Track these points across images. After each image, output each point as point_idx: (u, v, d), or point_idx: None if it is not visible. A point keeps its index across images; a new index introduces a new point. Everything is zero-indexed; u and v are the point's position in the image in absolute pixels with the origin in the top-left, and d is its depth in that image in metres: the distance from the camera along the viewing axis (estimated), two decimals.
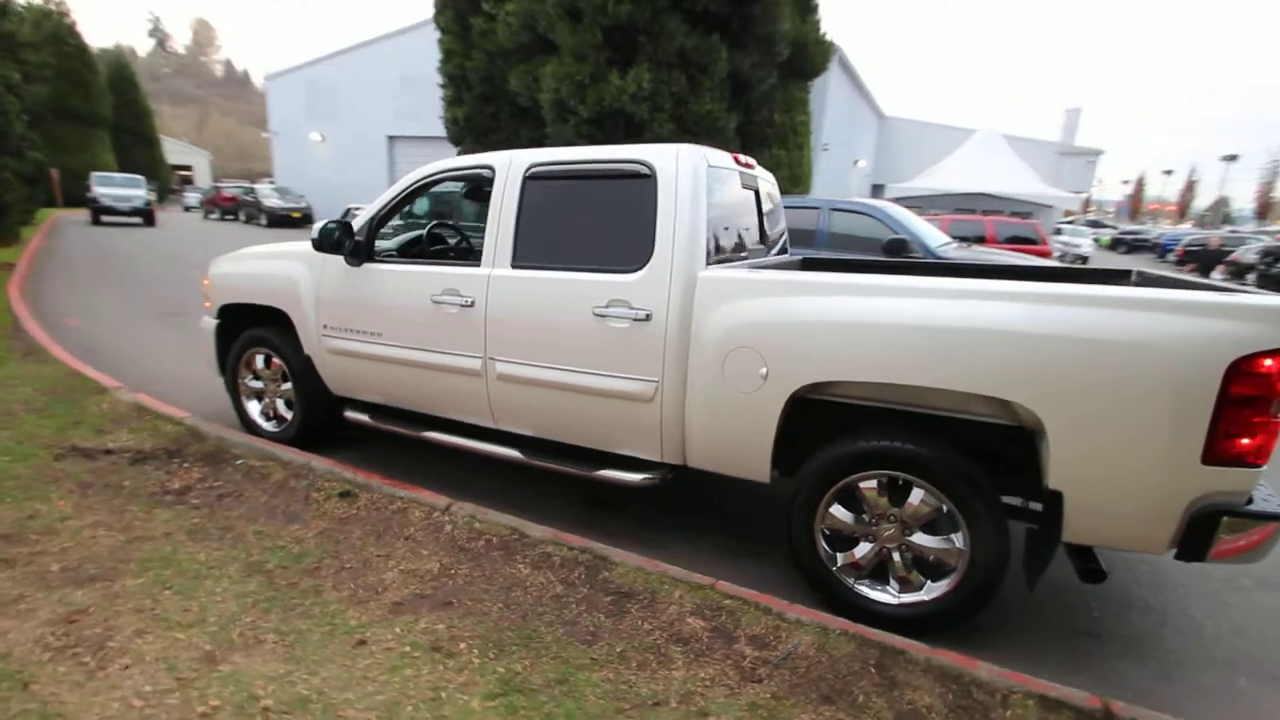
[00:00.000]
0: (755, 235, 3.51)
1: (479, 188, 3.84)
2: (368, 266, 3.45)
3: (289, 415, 3.98)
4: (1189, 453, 2.00)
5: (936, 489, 2.36)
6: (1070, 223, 33.41)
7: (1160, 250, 30.37)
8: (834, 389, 2.49)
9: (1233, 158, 48.01)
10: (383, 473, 3.50)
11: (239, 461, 3.64)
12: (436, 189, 3.49)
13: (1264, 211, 59.91)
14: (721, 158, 3.08)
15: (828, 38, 15.47)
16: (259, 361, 4.02)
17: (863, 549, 2.56)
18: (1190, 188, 78.24)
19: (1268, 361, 1.92)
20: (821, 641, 2.27)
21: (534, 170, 3.07)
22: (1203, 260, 20.41)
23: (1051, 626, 2.63)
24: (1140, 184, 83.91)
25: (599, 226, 2.95)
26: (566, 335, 2.90)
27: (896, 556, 2.50)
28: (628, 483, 2.95)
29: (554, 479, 3.61)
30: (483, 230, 3.20)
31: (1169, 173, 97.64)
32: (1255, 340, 1.92)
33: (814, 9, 15.13)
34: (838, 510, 2.55)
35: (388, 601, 2.39)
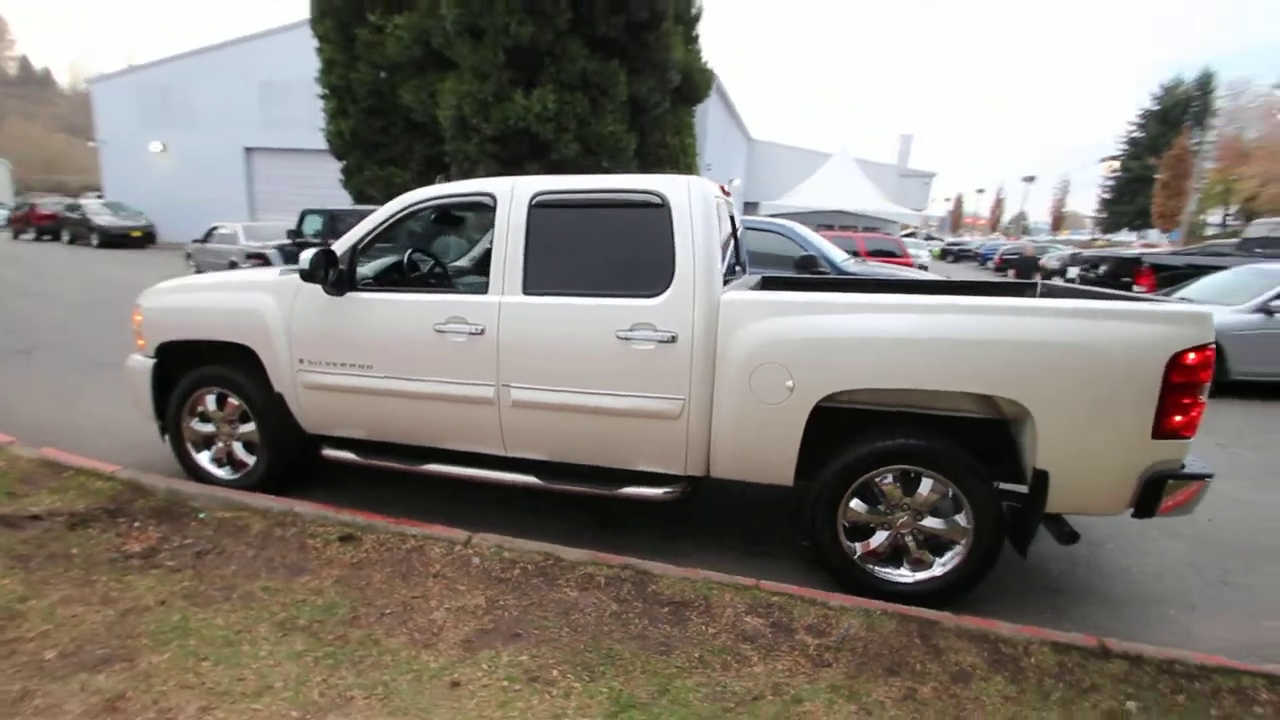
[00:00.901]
0: (732, 258, 3.78)
1: (451, 215, 3.82)
2: (351, 296, 3.29)
3: (250, 459, 3.65)
4: (1142, 430, 2.50)
5: (945, 477, 2.72)
6: (912, 235, 37.63)
7: (981, 259, 34.95)
8: (849, 396, 2.79)
9: (1031, 179, 56.50)
10: (359, 510, 3.33)
11: (202, 515, 3.29)
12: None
13: (1057, 224, 70.90)
14: (714, 189, 3.31)
15: (708, 65, 16.43)
16: (209, 403, 3.66)
17: (879, 537, 2.87)
18: (999, 204, 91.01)
19: (1192, 356, 2.46)
20: (867, 622, 2.53)
21: (540, 198, 3.11)
22: (1020, 267, 23.88)
23: (1023, 588, 3.08)
24: (959, 201, 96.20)
25: (613, 253, 3.06)
26: (588, 359, 2.97)
27: (910, 540, 2.83)
28: (651, 498, 3.07)
29: (542, 501, 3.64)
30: (465, 256, 3.19)
31: (981, 191, 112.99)
32: (1185, 339, 2.45)
33: (695, 38, 16.02)
34: (856, 505, 2.84)
35: (455, 640, 2.33)
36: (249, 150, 24.76)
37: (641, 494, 3.06)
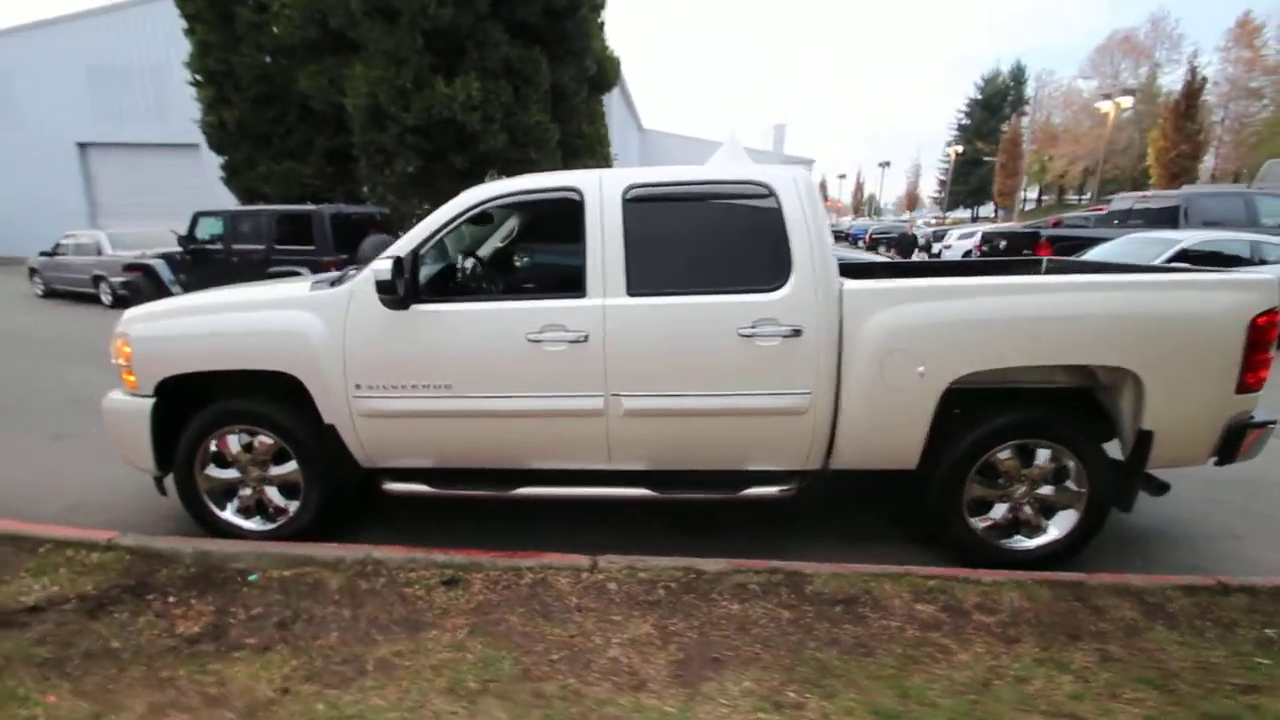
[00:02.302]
0: None
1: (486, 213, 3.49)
2: (418, 309, 2.90)
3: (290, 504, 3.14)
4: (1229, 386, 2.76)
5: (1063, 446, 2.87)
6: None
7: (852, 239, 37.57)
8: (973, 378, 2.85)
9: (886, 164, 61.58)
10: (414, 544, 2.99)
11: (252, 577, 2.80)
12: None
13: (911, 204, 77.96)
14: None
15: (614, 53, 16.30)
16: (232, 445, 3.09)
17: (998, 510, 2.98)
18: (859, 189, 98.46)
19: (1266, 317, 2.75)
20: (1024, 593, 2.63)
21: (635, 192, 2.90)
22: (899, 245, 25.97)
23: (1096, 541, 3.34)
24: (824, 186, 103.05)
25: (720, 247, 2.92)
26: (708, 360, 2.82)
27: (1027, 509, 2.97)
28: (771, 498, 2.99)
29: (605, 513, 3.46)
30: (530, 256, 2.93)
31: (843, 177, 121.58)
32: (1261, 303, 2.73)
33: (601, 25, 15.83)
34: (977, 481, 2.93)
35: (662, 678, 2.13)
36: (83, 146, 21.40)
37: (763, 494, 2.97)
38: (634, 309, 2.83)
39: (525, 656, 2.28)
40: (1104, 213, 13.10)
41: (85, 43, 20.59)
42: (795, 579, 2.71)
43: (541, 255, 3.99)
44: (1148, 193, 12.36)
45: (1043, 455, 2.91)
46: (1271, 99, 34.96)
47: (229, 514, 3.16)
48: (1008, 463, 2.92)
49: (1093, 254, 9.05)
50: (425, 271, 3.20)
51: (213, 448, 3.11)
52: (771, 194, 2.86)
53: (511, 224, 4.24)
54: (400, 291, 2.77)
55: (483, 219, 3.10)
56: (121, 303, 11.36)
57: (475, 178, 11.39)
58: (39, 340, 9.05)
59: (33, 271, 13.28)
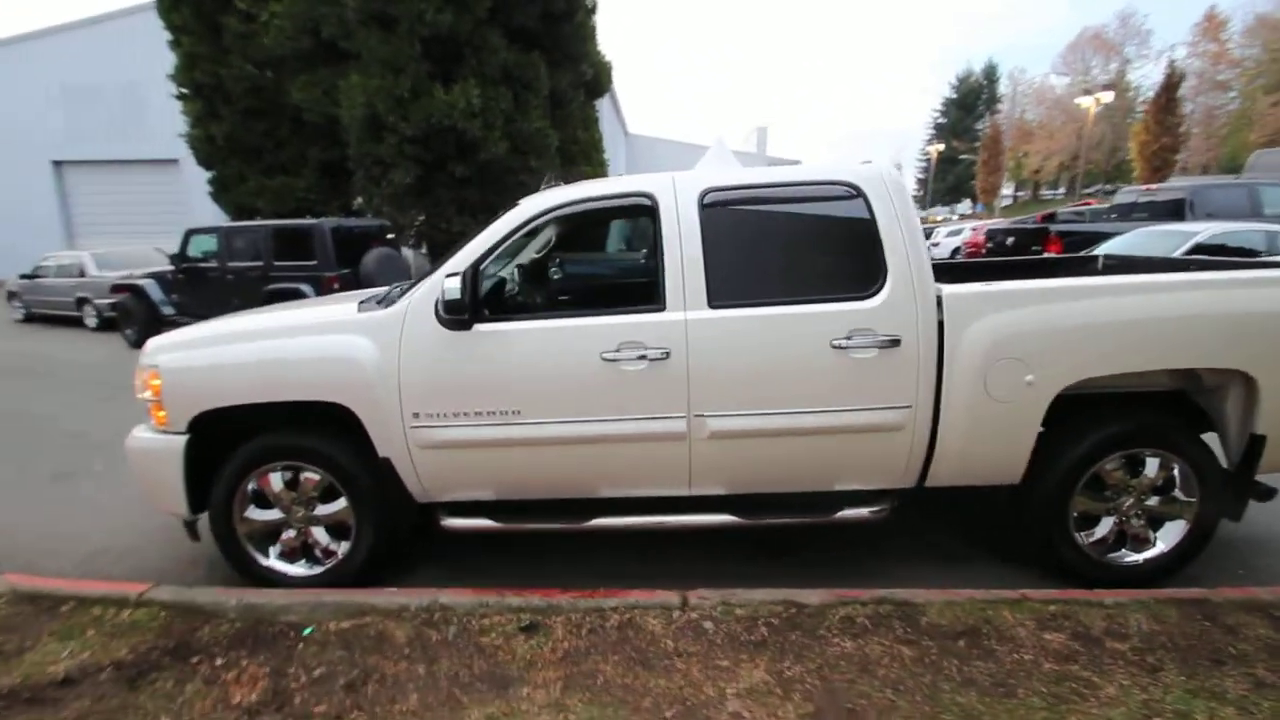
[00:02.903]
0: None
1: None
2: (480, 330, 2.66)
3: (339, 546, 2.88)
4: None
5: (1174, 454, 2.70)
6: None
7: None
8: (1081, 385, 2.67)
9: (868, 163, 62.20)
10: (471, 581, 2.76)
11: (307, 631, 2.54)
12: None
13: None
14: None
15: (606, 57, 16.14)
16: (274, 483, 2.83)
17: (1105, 524, 2.80)
18: None
19: None
20: (1151, 615, 2.44)
21: (712, 196, 2.69)
22: None
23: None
24: None
25: (806, 253, 2.73)
26: (801, 375, 2.62)
27: (1135, 522, 2.79)
28: (865, 519, 2.79)
29: (656, 541, 3.25)
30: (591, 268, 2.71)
31: None
32: None
33: (594, 29, 15.68)
34: (1083, 493, 2.76)
35: None
36: (58, 164, 20.81)
37: (856, 516, 2.77)
38: (717, 322, 2.62)
39: (635, 715, 2.05)
40: (1106, 206, 13.14)
41: (60, 59, 20.06)
42: (906, 610, 2.51)
43: (601, 266, 3.77)
44: (1153, 185, 12.40)
45: (1152, 464, 2.74)
46: (1239, 91, 35.76)
47: (272, 559, 2.90)
48: (1115, 473, 2.75)
49: (1106, 248, 8.99)
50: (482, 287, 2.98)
51: (252, 487, 2.85)
52: (859, 194, 2.66)
53: (549, 234, 4.02)
54: (468, 312, 2.54)
55: (542, 230, 2.88)
56: (108, 325, 10.93)
57: (475, 187, 11.14)
58: (23, 369, 8.64)
59: (11, 295, 12.77)
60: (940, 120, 61.63)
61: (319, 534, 2.89)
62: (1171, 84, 26.76)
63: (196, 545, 3.08)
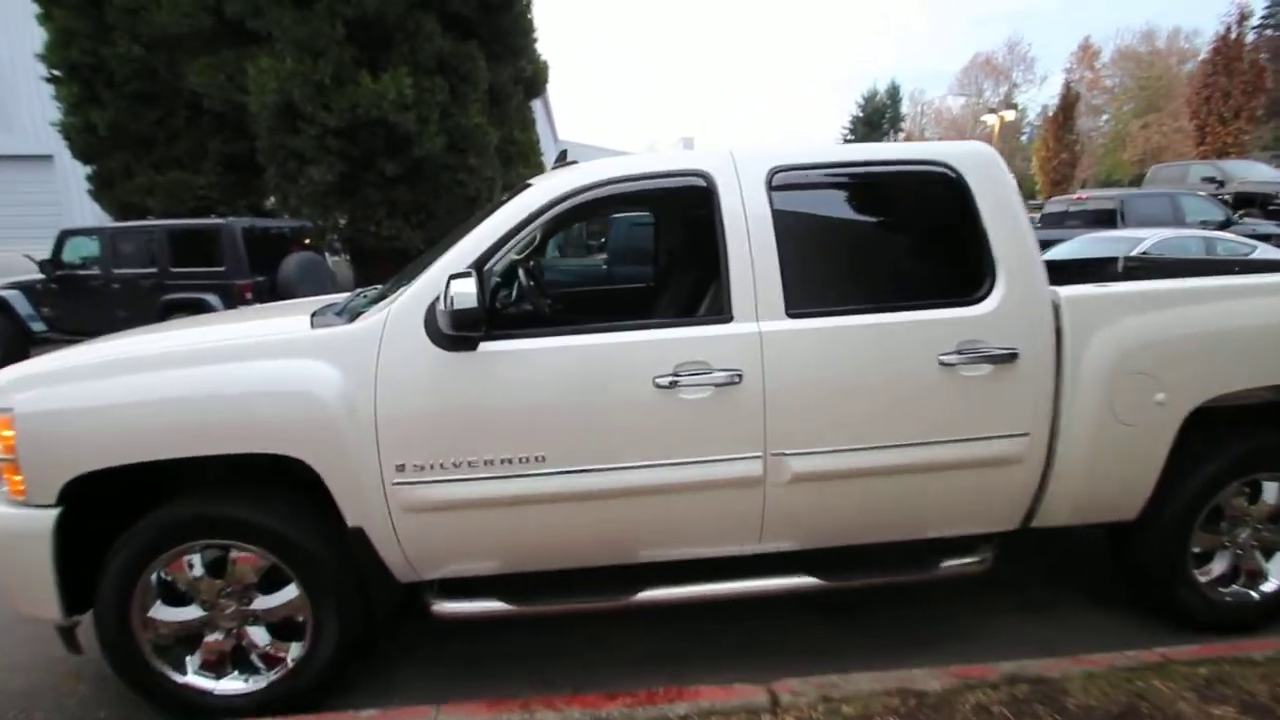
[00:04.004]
0: None
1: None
2: (489, 349, 1.98)
3: (286, 650, 2.09)
4: None
5: None
6: None
7: None
8: (1215, 401, 2.29)
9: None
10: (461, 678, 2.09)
11: None
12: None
13: None
14: None
15: (543, 57, 15.47)
16: (192, 568, 2.02)
17: (1221, 560, 2.44)
18: None
19: None
20: None
21: (782, 177, 2.14)
22: None
23: None
24: None
25: (897, 248, 2.22)
26: (901, 400, 2.10)
27: (1254, 555, 2.45)
28: (968, 573, 2.30)
29: (658, 616, 2.65)
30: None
31: None
32: None
33: (533, 24, 14.97)
34: (1203, 527, 2.38)
35: None
36: None
37: (962, 568, 2.28)
38: (798, 336, 2.06)
39: None
40: (1035, 217, 13.68)
41: None
42: (1045, 689, 2.01)
43: (633, 266, 3.13)
44: (1083, 194, 12.99)
45: (1270, 489, 2.40)
46: (1112, 114, 39.34)
47: (191, 674, 2.07)
48: (1236, 501, 2.39)
49: (1052, 254, 9.18)
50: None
51: (160, 576, 2.02)
52: (957, 177, 2.18)
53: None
54: (482, 326, 1.86)
55: (566, 220, 2.23)
56: None
57: (408, 187, 10.16)
58: None
59: None
60: (849, 137, 64.43)
61: (258, 635, 2.09)
62: (1068, 103, 28.86)
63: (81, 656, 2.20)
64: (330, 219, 10.51)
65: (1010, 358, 2.11)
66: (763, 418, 2.04)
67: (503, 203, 2.18)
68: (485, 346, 1.98)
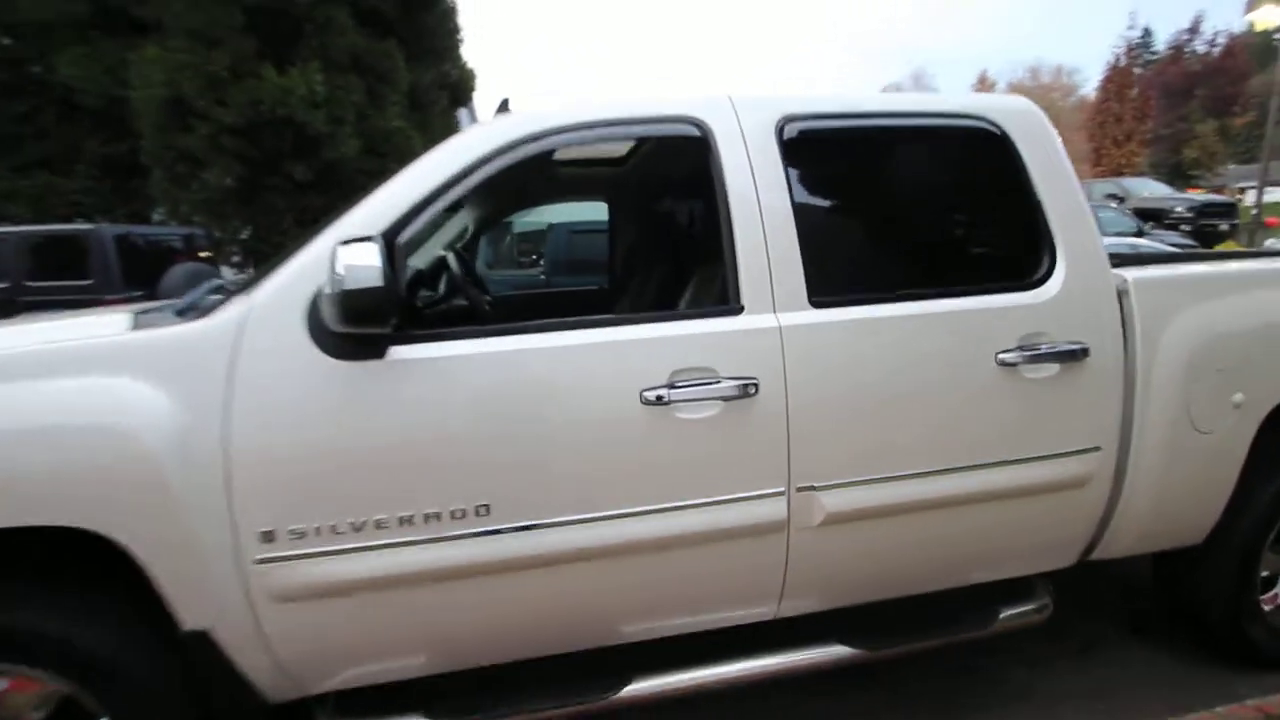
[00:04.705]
0: None
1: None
2: (402, 356, 1.37)
3: None
4: None
5: None
6: None
7: None
8: None
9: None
10: None
11: None
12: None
13: None
14: None
15: (469, 65, 14.84)
16: None
17: None
18: None
19: None
20: None
21: (796, 128, 1.65)
22: None
23: None
24: None
25: (935, 220, 1.78)
26: (957, 410, 1.63)
27: None
28: (1030, 623, 1.85)
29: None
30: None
31: None
32: None
33: (459, 29, 14.33)
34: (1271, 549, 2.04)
35: None
36: None
37: (1024, 620, 1.82)
38: (827, 331, 1.56)
39: None
40: None
41: None
42: None
43: (577, 276, 2.56)
44: None
45: None
46: None
47: None
48: None
49: None
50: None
51: None
52: (1002, 135, 1.76)
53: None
54: (391, 319, 1.25)
55: (511, 182, 1.65)
56: None
57: (320, 193, 9.23)
58: None
59: None
60: None
61: None
62: None
63: None
64: (230, 228, 9.43)
65: (1080, 354, 1.69)
66: (785, 441, 1.52)
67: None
68: (399, 352, 1.37)
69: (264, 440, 1.31)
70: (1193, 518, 1.91)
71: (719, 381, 1.48)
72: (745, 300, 1.54)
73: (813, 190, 1.64)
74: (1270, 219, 15.07)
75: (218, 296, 1.52)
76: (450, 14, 11.04)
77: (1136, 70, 26.33)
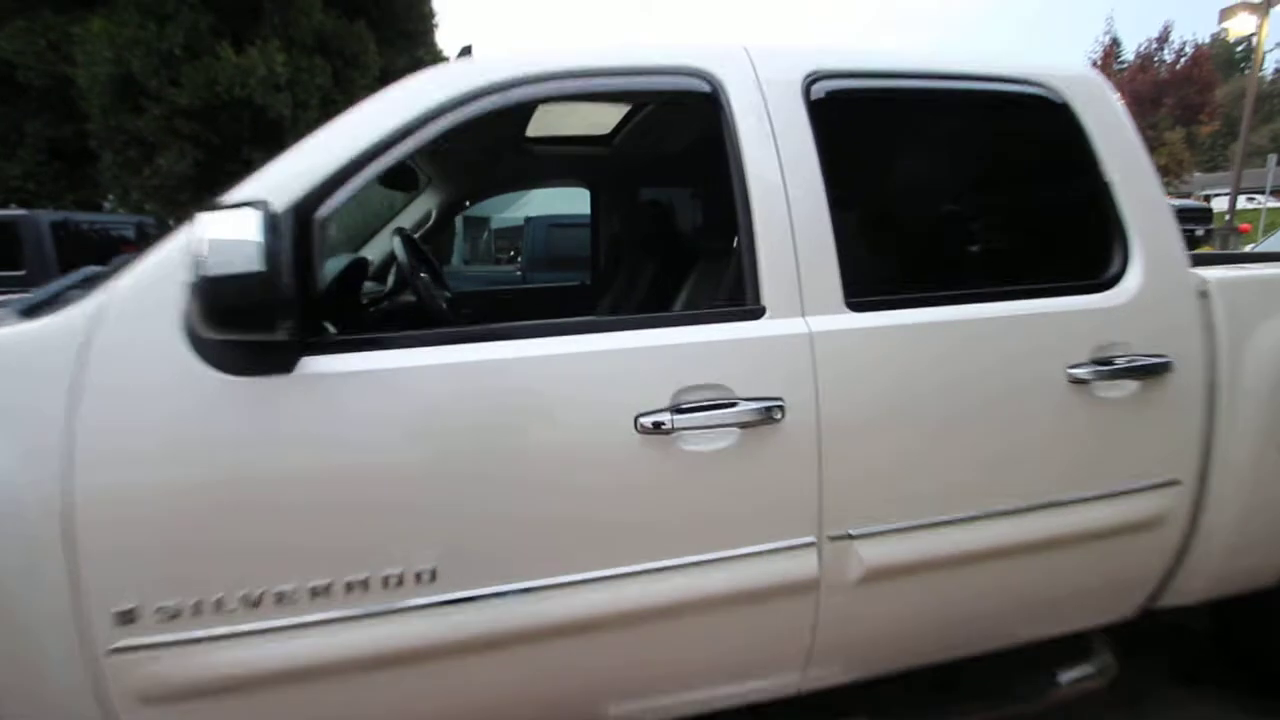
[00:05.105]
0: None
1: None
2: (316, 369, 1.03)
3: None
4: None
5: None
6: None
7: None
8: None
9: None
10: None
11: None
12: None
13: None
14: None
15: (444, 53, 14.38)
16: None
17: None
18: None
19: None
20: None
21: (825, 88, 1.33)
22: None
23: None
24: None
25: (990, 204, 1.47)
26: (1023, 436, 1.33)
27: None
28: (1089, 690, 1.56)
29: None
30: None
31: None
32: None
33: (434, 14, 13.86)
34: None
35: None
36: None
37: (1086, 684, 1.54)
38: (869, 339, 1.25)
39: None
40: None
41: None
42: None
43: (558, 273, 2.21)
44: None
45: None
46: None
47: None
48: None
49: None
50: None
51: None
52: (1063, 106, 1.47)
53: (428, 202, 2.38)
54: (283, 321, 0.90)
55: (469, 137, 1.31)
56: None
57: None
58: None
59: None
60: None
61: None
62: None
63: None
64: (184, 216, 8.86)
65: (1161, 369, 1.41)
66: (816, 478, 1.21)
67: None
68: (315, 364, 1.03)
69: (122, 484, 0.96)
70: (1269, 555, 1.65)
71: (735, 404, 1.16)
72: (767, 300, 1.22)
73: (846, 164, 1.32)
74: (1244, 225, 15.27)
75: (78, 290, 1.16)
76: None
77: (1109, 79, 26.76)
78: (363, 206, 2.26)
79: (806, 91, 1.32)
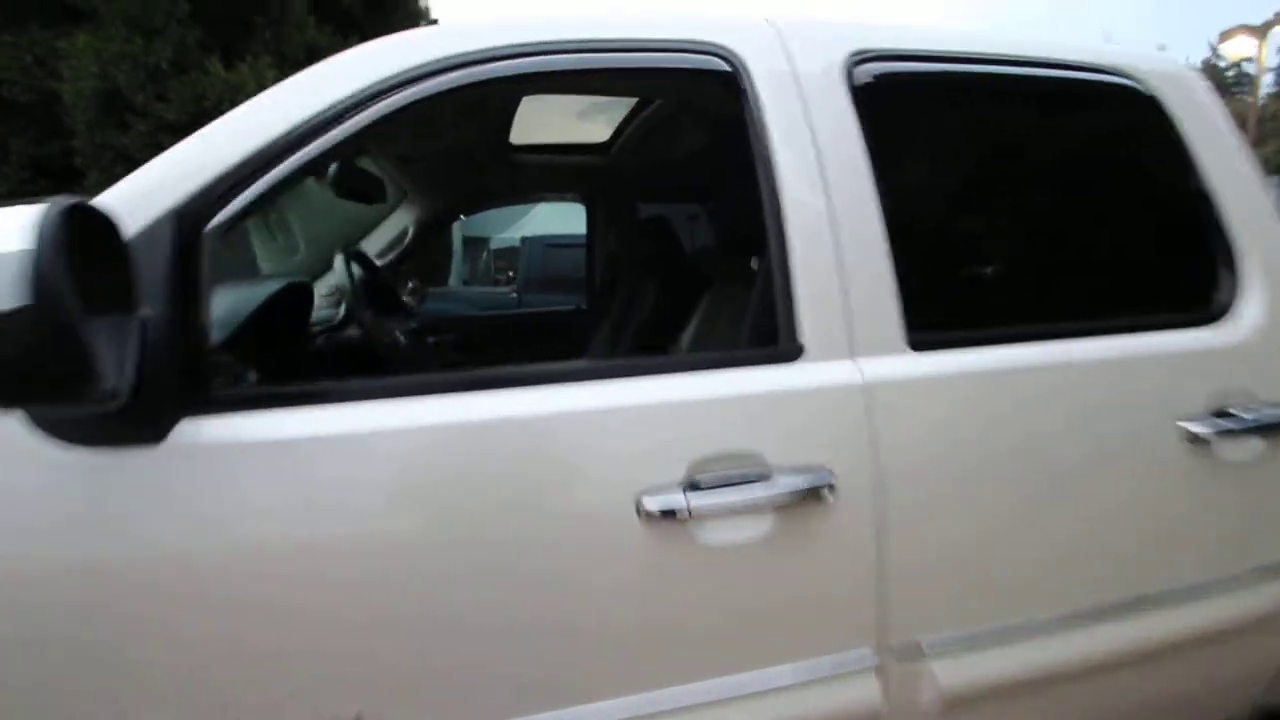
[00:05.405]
0: None
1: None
2: (195, 439, 0.74)
3: None
4: None
5: None
6: None
7: None
8: None
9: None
10: None
11: None
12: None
13: None
14: None
15: None
16: None
17: None
18: None
19: None
20: None
21: (871, 73, 1.07)
22: None
23: None
24: None
25: (1070, 217, 1.19)
26: (1128, 510, 1.05)
27: None
28: None
29: None
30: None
31: None
32: None
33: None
34: None
35: None
36: None
37: None
38: (938, 388, 0.97)
39: None
40: None
41: None
42: None
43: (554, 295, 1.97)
44: None
45: None
46: None
47: None
48: None
49: None
50: (224, 305, 1.03)
51: None
52: (1151, 101, 1.21)
53: (403, 218, 2.12)
54: (84, 385, 0.61)
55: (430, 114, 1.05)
56: None
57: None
58: None
59: None
60: None
61: None
62: None
63: None
64: None
65: None
66: (874, 575, 0.92)
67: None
68: (196, 431, 0.74)
69: None
70: None
71: (769, 477, 0.87)
72: (806, 338, 0.94)
73: (901, 166, 1.05)
74: None
75: None
76: (423, 14, 10.47)
77: None
78: (327, 220, 1.99)
79: (849, 75, 1.05)
